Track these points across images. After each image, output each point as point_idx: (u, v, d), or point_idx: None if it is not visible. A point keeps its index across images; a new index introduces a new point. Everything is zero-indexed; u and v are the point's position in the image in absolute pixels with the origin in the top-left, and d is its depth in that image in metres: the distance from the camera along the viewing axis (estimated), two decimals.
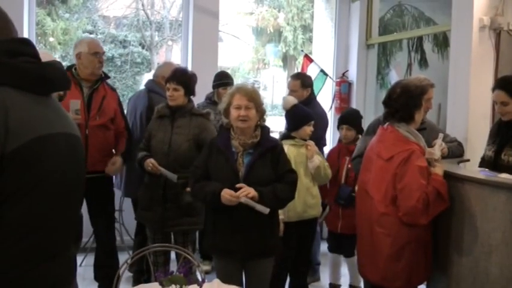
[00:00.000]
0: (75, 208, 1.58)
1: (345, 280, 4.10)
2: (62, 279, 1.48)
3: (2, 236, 1.31)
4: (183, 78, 3.39)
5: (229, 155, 2.79)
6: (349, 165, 3.72)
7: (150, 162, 3.29)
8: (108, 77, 3.68)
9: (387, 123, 2.84)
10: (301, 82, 4.27)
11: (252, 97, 2.80)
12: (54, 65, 1.50)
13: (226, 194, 2.65)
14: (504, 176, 2.65)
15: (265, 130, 2.87)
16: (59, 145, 1.43)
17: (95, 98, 3.50)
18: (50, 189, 1.39)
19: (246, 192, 2.64)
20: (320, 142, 4.15)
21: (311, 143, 3.54)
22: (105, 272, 3.61)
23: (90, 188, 3.35)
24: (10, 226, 1.32)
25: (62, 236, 1.47)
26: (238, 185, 2.68)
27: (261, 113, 2.86)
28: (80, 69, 3.51)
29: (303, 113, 3.59)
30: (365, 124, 3.92)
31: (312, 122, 3.58)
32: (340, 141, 4.04)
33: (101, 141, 3.51)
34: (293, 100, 3.67)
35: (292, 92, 4.23)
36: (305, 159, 3.48)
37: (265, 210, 2.67)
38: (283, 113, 3.71)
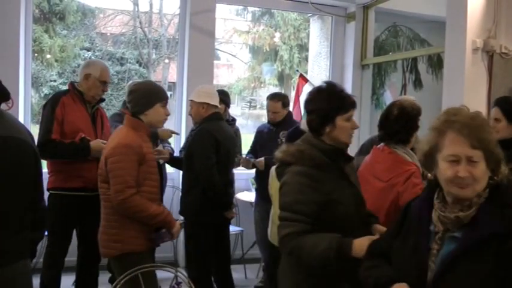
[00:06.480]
0: (23, 198, 1.93)
1: None
2: (10, 254, 1.86)
3: None
4: None
5: (422, 234, 1.60)
6: None
7: None
8: (103, 100, 3.65)
9: (382, 144, 2.84)
10: (283, 103, 4.32)
11: (481, 138, 1.52)
12: None
13: None
14: None
15: (500, 194, 1.54)
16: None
17: (97, 118, 3.55)
18: None
19: None
20: None
21: None
22: None
23: (92, 205, 3.27)
24: None
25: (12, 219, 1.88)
26: None
27: (495, 161, 1.55)
28: (83, 89, 3.50)
29: None
30: (359, 143, 3.92)
31: None
32: None
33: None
34: None
35: (274, 113, 4.29)
36: None
37: None
38: None
